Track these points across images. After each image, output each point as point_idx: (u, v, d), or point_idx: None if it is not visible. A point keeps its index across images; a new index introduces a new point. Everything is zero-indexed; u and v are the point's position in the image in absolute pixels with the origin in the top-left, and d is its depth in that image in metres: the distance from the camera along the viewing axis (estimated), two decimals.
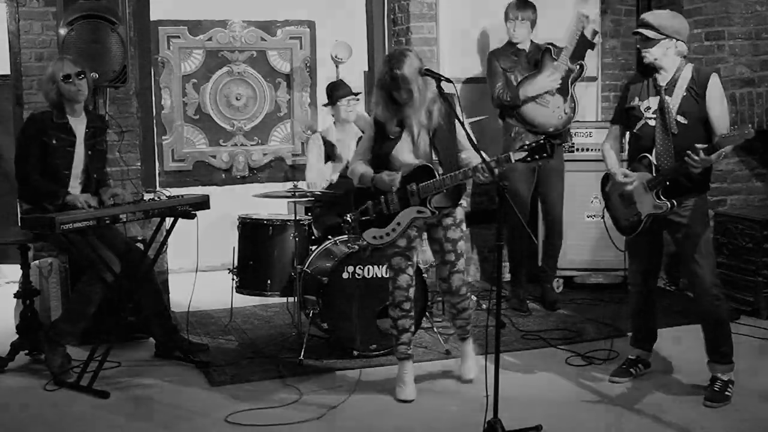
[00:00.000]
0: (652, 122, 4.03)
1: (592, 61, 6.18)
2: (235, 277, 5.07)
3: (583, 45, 5.37)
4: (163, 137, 6.91)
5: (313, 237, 5.09)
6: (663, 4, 6.57)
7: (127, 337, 4.94)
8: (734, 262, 5.48)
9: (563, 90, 5.39)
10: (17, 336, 4.67)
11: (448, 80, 3.90)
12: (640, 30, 4.00)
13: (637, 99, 4.10)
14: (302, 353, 4.58)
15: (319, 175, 5.32)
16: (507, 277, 5.84)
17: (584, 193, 5.90)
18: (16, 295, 4.72)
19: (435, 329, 4.94)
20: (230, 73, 7.07)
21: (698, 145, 3.79)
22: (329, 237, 5.01)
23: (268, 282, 4.97)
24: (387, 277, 4.59)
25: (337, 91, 5.40)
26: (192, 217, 4.51)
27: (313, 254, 4.88)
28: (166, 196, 4.57)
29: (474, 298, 4.19)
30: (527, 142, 3.68)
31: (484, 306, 5.55)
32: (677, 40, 3.98)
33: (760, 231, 5.31)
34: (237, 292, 5.10)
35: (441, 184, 3.90)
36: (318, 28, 7.23)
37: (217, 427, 3.84)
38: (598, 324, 5.24)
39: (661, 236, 4.23)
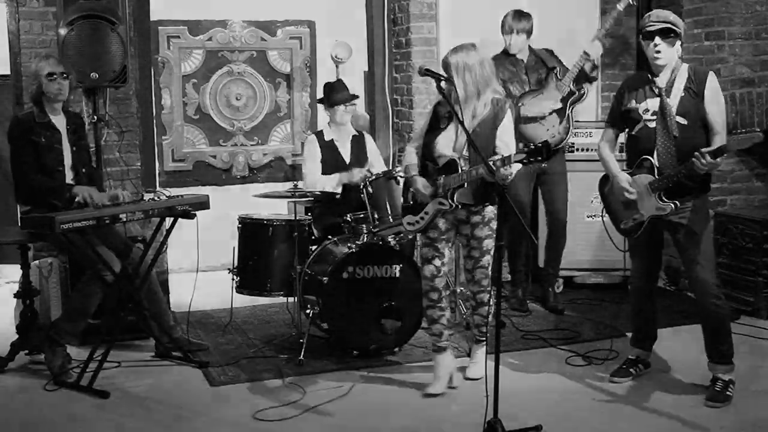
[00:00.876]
0: (651, 124, 4.02)
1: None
2: (235, 277, 5.07)
3: (582, 77, 5.39)
4: (163, 137, 6.90)
5: (313, 237, 5.09)
6: (663, 4, 6.58)
7: (127, 337, 4.94)
8: (734, 262, 5.48)
9: (561, 111, 5.40)
10: (17, 336, 4.67)
11: (448, 80, 3.90)
12: (673, 27, 3.94)
13: (634, 101, 4.09)
14: (302, 353, 4.58)
15: (317, 183, 5.31)
16: (507, 277, 5.83)
17: (584, 193, 5.90)
18: (16, 295, 4.71)
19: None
20: (230, 73, 7.07)
21: (704, 150, 3.78)
22: (329, 237, 5.01)
23: (268, 282, 4.97)
24: (387, 277, 4.62)
25: (335, 94, 5.39)
26: (192, 217, 4.51)
27: (313, 254, 4.88)
28: (166, 196, 4.57)
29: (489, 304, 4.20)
30: (530, 144, 3.68)
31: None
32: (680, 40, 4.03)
33: (760, 231, 5.31)
34: (237, 292, 5.10)
35: (459, 179, 3.95)
36: (318, 28, 7.23)
37: (217, 427, 3.84)
38: (598, 324, 5.24)
39: (662, 235, 4.23)
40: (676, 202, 3.95)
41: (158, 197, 4.55)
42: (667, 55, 3.97)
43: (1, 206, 6.41)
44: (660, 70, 4.03)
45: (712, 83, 3.98)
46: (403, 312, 4.64)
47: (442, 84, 3.90)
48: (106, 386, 4.25)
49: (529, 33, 5.45)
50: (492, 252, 4.16)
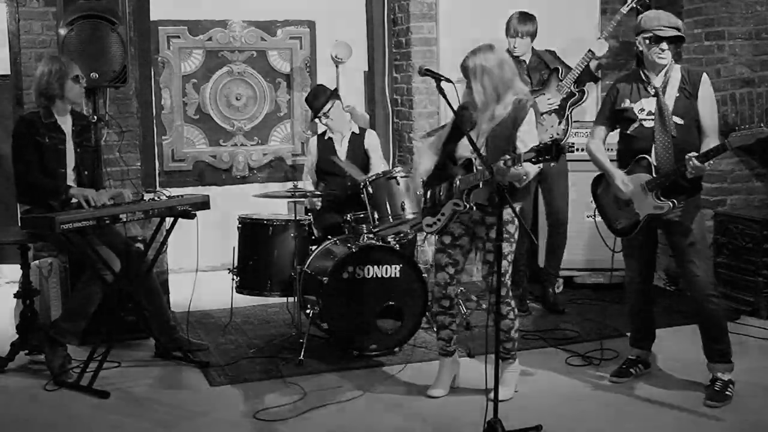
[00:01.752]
0: (648, 123, 4.03)
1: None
2: (235, 277, 5.07)
3: (587, 75, 5.39)
4: (163, 137, 6.90)
5: (313, 237, 5.09)
6: (663, 5, 6.57)
7: (127, 337, 4.94)
8: (734, 262, 5.48)
9: (560, 112, 5.40)
10: (17, 336, 4.67)
11: (448, 80, 3.90)
12: (682, 34, 4.02)
13: (628, 101, 4.10)
14: (302, 353, 4.58)
15: (306, 184, 5.37)
16: None
17: (584, 193, 5.86)
18: (16, 295, 4.71)
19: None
20: (230, 73, 7.06)
21: (692, 154, 3.82)
22: (329, 237, 5.01)
23: (268, 282, 4.97)
24: (387, 277, 4.62)
25: (311, 105, 5.44)
26: (192, 217, 4.51)
27: (313, 254, 4.88)
28: (166, 196, 4.58)
29: (510, 318, 4.10)
30: (540, 142, 3.63)
31: (484, 306, 5.55)
32: None
33: (760, 231, 5.31)
34: (237, 292, 5.10)
35: (474, 178, 3.87)
36: (318, 28, 7.23)
37: (217, 427, 3.85)
38: (598, 324, 5.24)
39: (656, 234, 4.25)
40: (674, 200, 3.96)
41: (158, 197, 4.55)
42: (668, 56, 4.02)
43: (1, 206, 6.41)
44: (659, 70, 4.05)
45: (705, 84, 4.01)
46: (403, 312, 4.64)
47: (442, 84, 3.88)
48: (106, 386, 4.25)
49: (533, 36, 5.44)
50: (509, 258, 4.03)
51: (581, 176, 5.80)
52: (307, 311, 4.67)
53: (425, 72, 3.91)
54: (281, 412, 3.94)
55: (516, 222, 4.00)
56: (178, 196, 4.69)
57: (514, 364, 4.17)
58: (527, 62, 5.50)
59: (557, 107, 5.38)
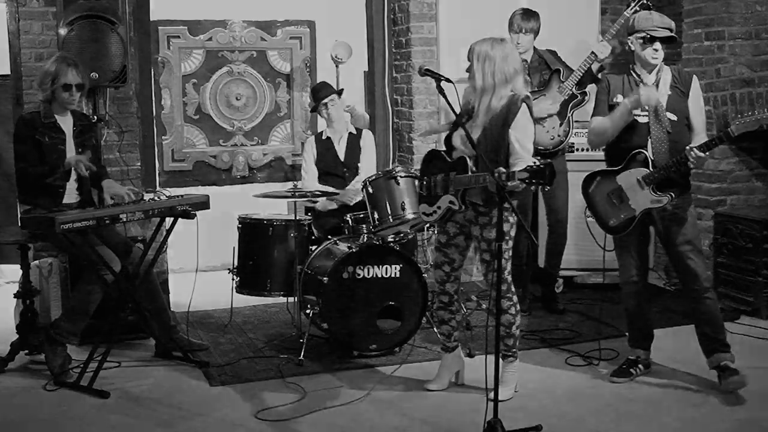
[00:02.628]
0: (642, 119, 4.10)
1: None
2: (235, 277, 5.07)
3: (589, 77, 5.39)
4: (163, 137, 6.90)
5: (313, 237, 5.09)
6: (663, 5, 6.57)
7: (127, 337, 4.94)
8: (734, 262, 5.48)
9: (561, 113, 5.40)
10: (17, 336, 4.67)
11: (448, 80, 3.90)
12: (673, 34, 4.08)
13: (620, 96, 4.18)
14: (302, 353, 4.58)
15: (314, 183, 5.36)
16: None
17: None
18: (16, 295, 4.71)
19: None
20: (230, 73, 7.07)
21: (692, 145, 3.91)
22: (329, 237, 5.01)
23: (268, 282, 4.97)
24: (387, 277, 4.62)
25: (316, 94, 5.49)
26: (192, 217, 4.51)
27: (313, 254, 4.88)
28: (166, 196, 4.58)
29: (511, 314, 4.08)
30: (532, 162, 3.57)
31: (484, 306, 5.55)
32: None
33: (760, 231, 5.31)
34: (237, 292, 5.10)
35: (467, 181, 3.87)
36: (318, 28, 7.23)
37: (217, 427, 3.85)
38: (598, 324, 5.23)
39: (649, 231, 4.28)
40: (671, 193, 3.99)
41: (158, 197, 4.55)
42: (661, 57, 4.10)
43: (1, 206, 6.41)
44: (651, 70, 4.13)
45: (695, 85, 4.15)
46: (403, 312, 4.64)
47: (442, 84, 3.89)
48: (106, 386, 4.25)
49: (536, 33, 5.45)
50: (506, 254, 4.04)
51: (581, 176, 5.77)
52: (307, 311, 4.67)
53: (425, 72, 3.92)
54: (281, 413, 3.94)
55: (511, 220, 4.01)
56: (178, 196, 4.69)
57: (515, 363, 4.16)
58: (529, 61, 5.50)
59: (556, 111, 5.37)
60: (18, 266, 4.72)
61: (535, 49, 5.53)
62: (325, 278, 4.56)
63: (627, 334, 4.52)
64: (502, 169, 3.63)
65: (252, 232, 5.04)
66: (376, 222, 4.70)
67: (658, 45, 4.06)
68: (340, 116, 5.50)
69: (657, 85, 4.12)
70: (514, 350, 4.15)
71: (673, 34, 4.08)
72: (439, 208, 4.05)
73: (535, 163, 3.48)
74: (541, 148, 5.35)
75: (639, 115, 4.09)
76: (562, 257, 5.71)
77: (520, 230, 5.46)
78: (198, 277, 5.22)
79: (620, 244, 4.30)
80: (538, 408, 3.98)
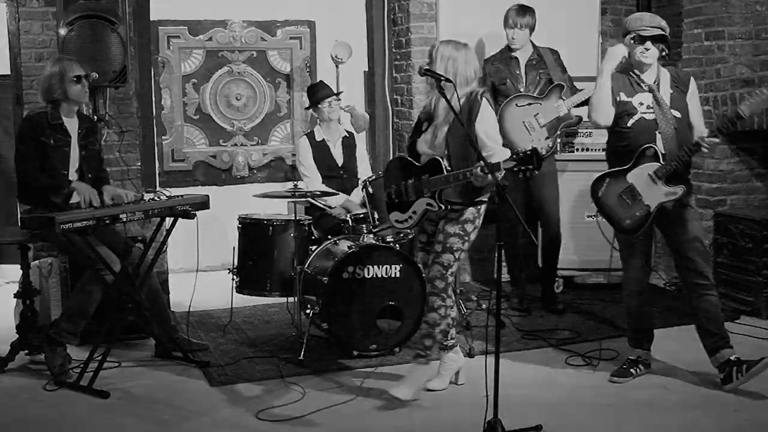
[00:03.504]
0: (649, 116, 4.14)
1: (592, 61, 6.19)
2: (235, 277, 5.07)
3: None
4: (163, 137, 6.90)
5: (313, 237, 5.09)
6: (663, 5, 6.58)
7: (127, 337, 4.94)
8: (734, 262, 5.49)
9: (552, 129, 5.40)
10: (17, 336, 4.67)
11: (449, 80, 3.90)
12: (665, 34, 4.12)
13: (623, 94, 4.19)
14: (302, 353, 4.58)
15: (317, 182, 5.35)
16: (506, 277, 5.83)
17: (584, 193, 5.88)
18: (16, 295, 4.71)
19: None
20: (230, 73, 7.07)
21: (703, 132, 4.05)
22: (329, 237, 5.01)
23: (268, 282, 4.97)
24: (387, 277, 4.62)
25: (317, 92, 5.47)
26: (192, 217, 4.51)
27: (313, 254, 4.88)
28: (166, 196, 4.58)
29: (440, 314, 3.98)
30: (518, 150, 3.60)
31: (484, 306, 5.55)
32: None
33: (760, 231, 5.31)
34: (237, 292, 5.10)
35: (445, 180, 3.90)
36: (318, 28, 7.23)
37: (217, 427, 3.84)
38: (598, 324, 5.24)
39: (652, 229, 4.28)
40: (683, 186, 4.08)
41: (158, 197, 4.55)
42: (652, 55, 4.14)
43: (1, 206, 6.41)
44: (646, 69, 4.18)
45: (693, 83, 4.25)
46: (403, 312, 4.64)
47: (443, 84, 3.88)
48: (106, 386, 4.25)
49: (532, 28, 5.45)
50: (458, 255, 3.99)
51: (582, 176, 5.81)
52: (307, 311, 4.67)
53: (425, 72, 3.92)
54: (281, 412, 3.94)
55: (476, 222, 4.03)
56: (178, 196, 4.69)
57: (425, 366, 4.08)
58: (527, 59, 5.49)
59: (550, 122, 5.37)
60: (18, 266, 4.72)
61: (535, 46, 5.53)
62: (325, 278, 4.56)
63: (628, 334, 4.52)
64: (482, 163, 3.66)
65: (252, 232, 5.04)
66: (376, 222, 4.70)
67: (649, 44, 4.10)
68: (336, 118, 5.50)
69: (657, 85, 4.15)
70: (428, 352, 4.06)
71: (664, 33, 4.10)
72: (414, 213, 4.06)
73: (519, 150, 3.53)
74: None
75: (646, 113, 4.12)
76: (558, 256, 5.71)
77: (517, 229, 5.51)
78: (198, 277, 5.21)
79: (628, 243, 4.30)
80: (538, 408, 3.98)
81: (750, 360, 4.08)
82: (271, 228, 4.99)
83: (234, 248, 5.08)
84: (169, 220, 4.54)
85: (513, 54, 5.49)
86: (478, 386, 4.02)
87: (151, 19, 5.94)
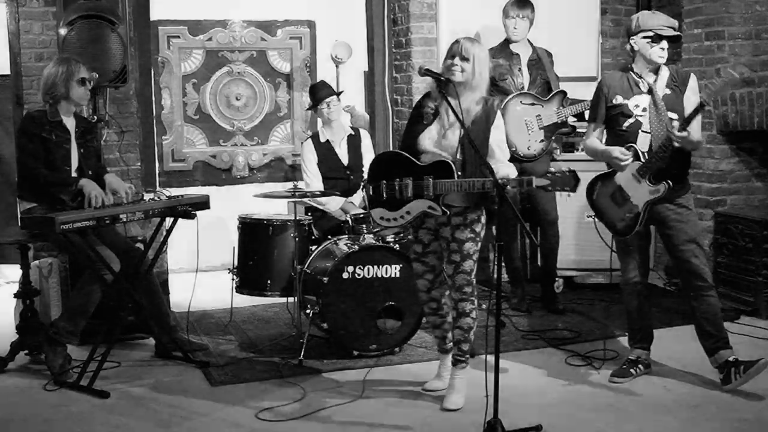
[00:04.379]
0: (643, 119, 4.12)
1: (592, 61, 6.19)
2: (235, 277, 5.07)
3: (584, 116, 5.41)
4: (163, 137, 6.90)
5: (313, 237, 5.09)
6: (663, 4, 6.57)
7: (127, 337, 4.94)
8: (734, 262, 5.49)
9: (549, 133, 5.40)
10: (17, 336, 4.67)
11: (449, 80, 3.90)
12: (678, 32, 4.13)
13: (620, 97, 4.18)
14: (302, 353, 4.58)
15: (320, 185, 5.35)
16: (505, 277, 5.83)
17: (583, 193, 5.88)
18: (16, 295, 4.72)
19: None
20: (230, 73, 7.07)
21: (674, 124, 3.99)
22: (329, 237, 5.01)
23: (268, 282, 4.97)
24: (387, 277, 4.62)
25: (317, 93, 5.45)
26: (192, 217, 4.51)
27: (313, 254, 4.88)
28: (166, 196, 4.58)
29: (473, 317, 3.98)
30: (552, 170, 3.59)
31: (484, 306, 5.55)
32: None
33: (760, 231, 5.31)
34: (237, 292, 5.10)
35: (457, 186, 3.78)
36: (318, 28, 7.23)
37: (217, 427, 3.85)
38: (598, 324, 5.24)
39: (650, 229, 4.28)
40: (668, 181, 4.03)
41: (158, 197, 4.56)
42: (666, 55, 4.12)
43: (1, 206, 6.41)
44: (654, 69, 4.16)
45: (693, 81, 4.19)
46: (403, 312, 4.64)
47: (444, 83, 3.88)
48: (106, 386, 4.26)
49: (531, 22, 5.46)
50: (475, 257, 3.98)
51: (582, 176, 5.74)
52: (307, 311, 4.67)
53: (425, 72, 3.91)
54: (281, 412, 3.94)
55: (483, 221, 3.99)
56: (178, 196, 4.69)
57: (466, 368, 4.09)
58: (528, 58, 5.49)
59: (547, 127, 5.37)
60: (18, 266, 4.72)
61: (534, 46, 5.53)
62: (325, 278, 4.56)
63: (627, 334, 4.52)
64: (511, 177, 3.67)
65: (252, 232, 5.04)
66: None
67: (665, 44, 4.08)
68: (339, 117, 5.50)
69: (656, 83, 4.14)
70: (467, 356, 4.09)
71: (680, 34, 4.13)
72: (408, 213, 3.89)
73: (556, 170, 3.55)
74: (520, 154, 5.32)
75: (641, 116, 4.12)
76: (557, 256, 5.71)
77: (515, 229, 5.50)
78: (198, 277, 5.21)
79: (623, 245, 4.30)
80: (539, 408, 3.98)
81: (748, 361, 4.08)
82: (271, 228, 4.99)
83: (234, 248, 5.08)
84: (169, 220, 4.54)
85: (514, 51, 5.49)
86: (478, 386, 4.02)
87: (151, 19, 5.95)
